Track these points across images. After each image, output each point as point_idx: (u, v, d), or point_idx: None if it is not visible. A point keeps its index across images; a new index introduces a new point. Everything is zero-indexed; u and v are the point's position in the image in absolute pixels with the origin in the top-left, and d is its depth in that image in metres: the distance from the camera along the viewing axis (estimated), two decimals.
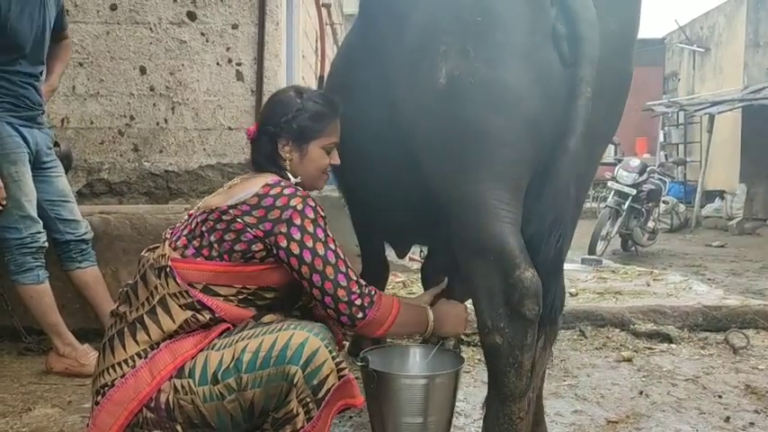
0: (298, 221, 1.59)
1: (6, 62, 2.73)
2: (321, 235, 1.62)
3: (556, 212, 1.58)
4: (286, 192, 1.62)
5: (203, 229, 1.62)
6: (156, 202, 3.96)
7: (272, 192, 1.61)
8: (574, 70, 1.51)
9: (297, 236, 1.58)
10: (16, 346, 3.16)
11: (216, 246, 1.60)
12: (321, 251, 1.60)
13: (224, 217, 1.60)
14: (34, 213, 2.78)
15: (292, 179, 1.73)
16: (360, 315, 1.64)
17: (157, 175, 4.02)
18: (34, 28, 2.79)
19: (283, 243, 1.59)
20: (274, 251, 1.60)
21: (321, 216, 1.64)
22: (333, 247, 1.63)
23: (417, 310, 1.82)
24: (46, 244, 2.83)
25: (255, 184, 1.64)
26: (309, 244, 1.59)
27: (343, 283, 1.62)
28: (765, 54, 11.72)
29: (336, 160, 1.83)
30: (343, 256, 1.65)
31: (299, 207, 1.60)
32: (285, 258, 1.60)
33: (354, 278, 1.65)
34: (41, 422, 2.30)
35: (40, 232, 2.79)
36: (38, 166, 2.86)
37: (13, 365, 2.97)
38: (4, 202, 2.69)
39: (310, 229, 1.60)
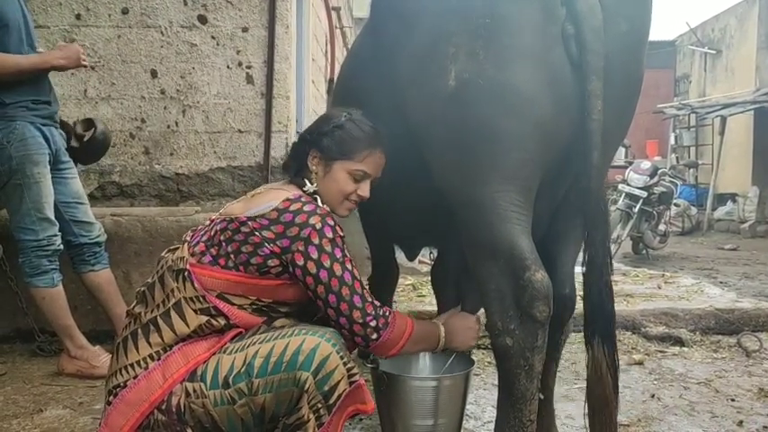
0: (316, 240, 1.57)
1: None
2: (339, 255, 1.60)
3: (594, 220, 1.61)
4: (306, 209, 1.60)
5: (221, 238, 1.61)
6: (166, 205, 3.98)
7: (291, 207, 1.60)
8: (582, 84, 1.51)
9: (314, 255, 1.57)
10: (28, 348, 3.19)
11: (232, 256, 1.60)
12: (338, 272, 1.59)
13: (242, 228, 1.59)
14: (52, 216, 2.79)
15: (309, 186, 1.72)
16: (374, 336, 1.63)
17: (168, 177, 4.03)
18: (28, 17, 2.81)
19: (300, 261, 1.58)
20: (291, 269, 1.59)
21: (340, 236, 1.62)
22: (350, 268, 1.62)
23: (430, 326, 1.82)
24: (61, 247, 2.83)
25: (277, 198, 1.63)
26: (327, 264, 1.58)
27: (359, 305, 1.61)
28: None
29: (365, 193, 1.75)
30: (359, 277, 1.64)
31: (318, 226, 1.58)
32: (301, 277, 1.59)
33: (370, 299, 1.64)
34: (53, 423, 2.31)
35: (56, 235, 2.80)
36: (55, 166, 2.86)
37: (24, 367, 2.99)
38: None
39: (328, 248, 1.58)
